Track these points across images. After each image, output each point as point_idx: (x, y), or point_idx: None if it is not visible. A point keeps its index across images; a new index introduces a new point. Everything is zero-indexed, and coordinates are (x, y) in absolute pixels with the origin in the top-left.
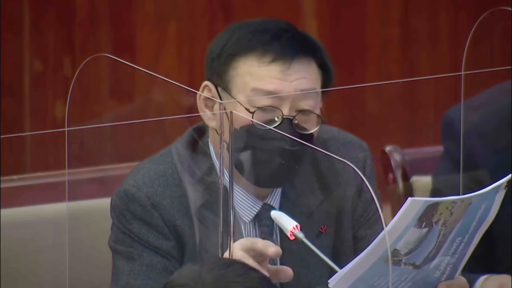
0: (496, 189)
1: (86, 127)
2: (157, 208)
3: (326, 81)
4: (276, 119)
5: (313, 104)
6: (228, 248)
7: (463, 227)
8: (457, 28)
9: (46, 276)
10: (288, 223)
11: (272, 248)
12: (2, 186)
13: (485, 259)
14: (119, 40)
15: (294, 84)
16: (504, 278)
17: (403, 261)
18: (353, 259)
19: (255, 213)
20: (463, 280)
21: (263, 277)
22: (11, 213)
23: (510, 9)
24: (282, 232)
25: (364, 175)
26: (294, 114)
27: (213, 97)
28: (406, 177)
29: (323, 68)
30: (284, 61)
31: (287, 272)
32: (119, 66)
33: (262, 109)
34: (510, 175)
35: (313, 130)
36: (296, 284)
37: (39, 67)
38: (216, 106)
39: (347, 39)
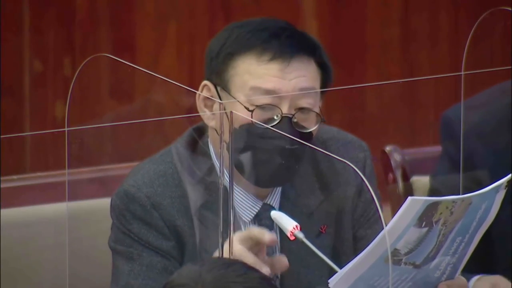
0: (496, 189)
1: (86, 127)
2: (157, 208)
3: (325, 80)
4: (275, 117)
5: (312, 102)
6: (228, 245)
7: (464, 227)
8: (457, 28)
9: (46, 276)
10: (288, 223)
11: (267, 235)
12: (2, 186)
13: (484, 259)
14: (119, 40)
15: (293, 82)
16: (496, 278)
17: (403, 260)
18: (353, 259)
19: (255, 213)
20: (463, 280)
21: (263, 277)
22: (11, 213)
23: (510, 9)
24: (282, 232)
25: (364, 175)
26: (293, 112)
27: (212, 96)
28: (406, 177)
29: (322, 67)
30: (283, 59)
31: (283, 261)
32: (119, 66)
33: (261, 107)
34: (510, 175)
35: (313, 128)
36: (296, 284)
37: (39, 67)
38: (216, 106)
39: (347, 39)
